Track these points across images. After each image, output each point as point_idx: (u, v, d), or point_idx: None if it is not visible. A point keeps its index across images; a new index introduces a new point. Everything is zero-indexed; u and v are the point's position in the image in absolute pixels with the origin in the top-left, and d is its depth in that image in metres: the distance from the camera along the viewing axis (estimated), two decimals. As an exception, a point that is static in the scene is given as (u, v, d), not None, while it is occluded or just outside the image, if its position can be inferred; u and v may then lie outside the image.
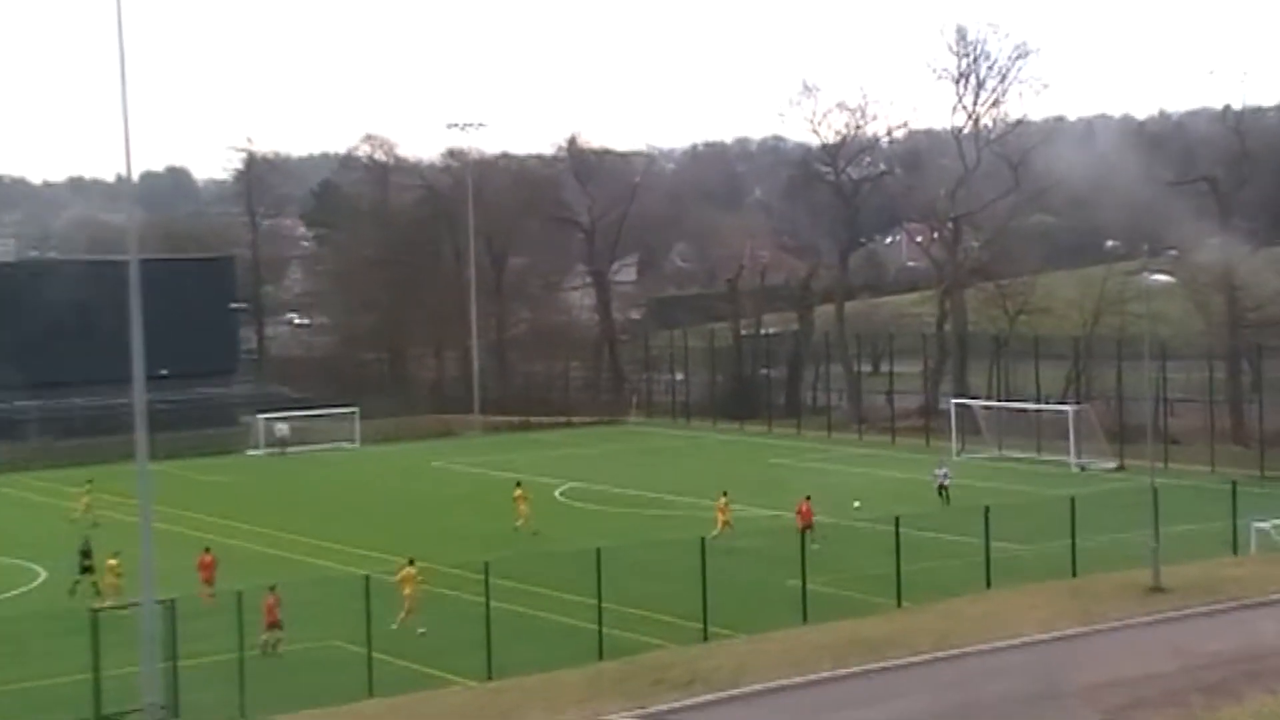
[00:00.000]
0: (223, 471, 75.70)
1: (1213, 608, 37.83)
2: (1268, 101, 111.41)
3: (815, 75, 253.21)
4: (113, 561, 45.73)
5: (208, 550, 45.11)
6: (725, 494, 54.47)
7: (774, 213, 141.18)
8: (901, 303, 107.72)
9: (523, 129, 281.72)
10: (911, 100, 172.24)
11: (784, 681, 33.38)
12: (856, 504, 57.73)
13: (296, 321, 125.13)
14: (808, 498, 53.23)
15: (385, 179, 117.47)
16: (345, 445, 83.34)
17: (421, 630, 40.32)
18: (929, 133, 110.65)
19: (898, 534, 42.30)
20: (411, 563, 42.09)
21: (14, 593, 47.45)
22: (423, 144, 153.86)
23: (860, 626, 38.22)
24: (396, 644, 38.77)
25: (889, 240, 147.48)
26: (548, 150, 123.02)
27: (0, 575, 50.15)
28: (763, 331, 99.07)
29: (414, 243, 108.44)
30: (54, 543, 56.24)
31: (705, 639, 38.60)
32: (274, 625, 39.17)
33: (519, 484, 58.63)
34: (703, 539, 39.91)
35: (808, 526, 50.05)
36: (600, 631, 38.04)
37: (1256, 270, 78.09)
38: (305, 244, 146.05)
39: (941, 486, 57.00)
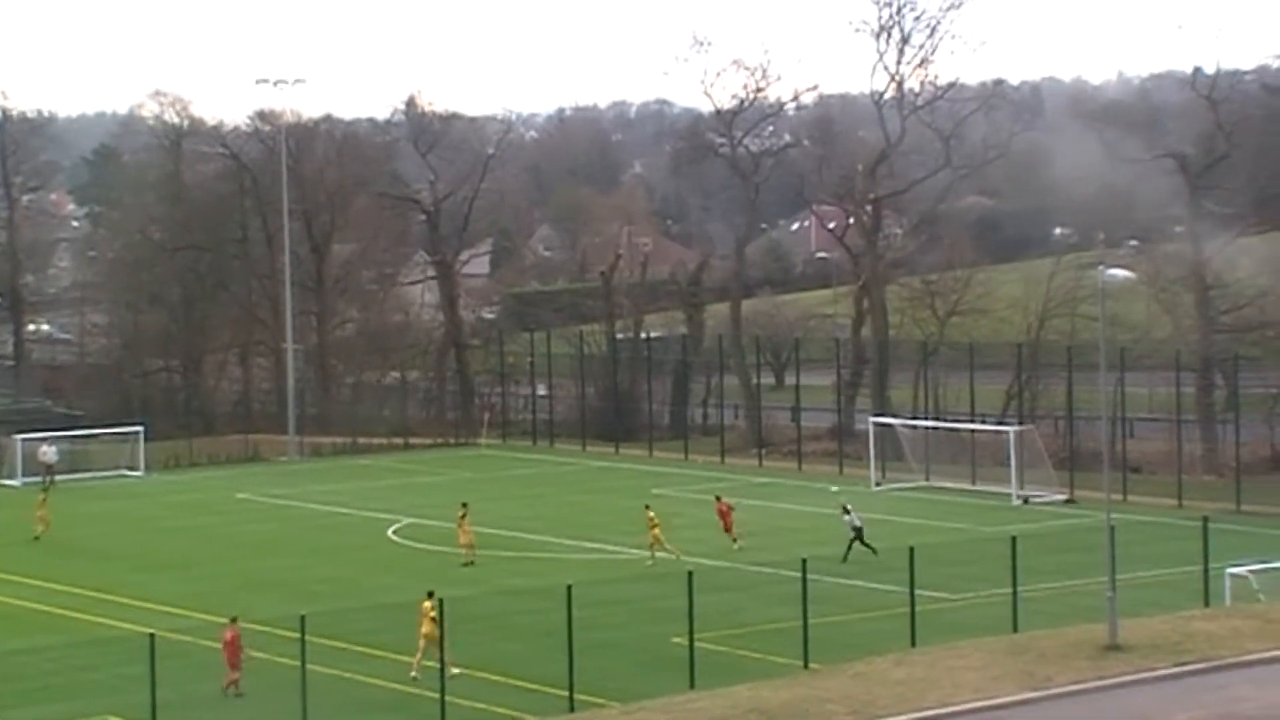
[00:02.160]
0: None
1: (1180, 669, 38.46)
2: (1245, 64, 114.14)
3: (707, 27, 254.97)
4: None
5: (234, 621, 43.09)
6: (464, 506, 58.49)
7: (657, 192, 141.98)
8: (810, 301, 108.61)
9: (350, 87, 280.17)
10: (823, 59, 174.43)
11: (666, 760, 33.39)
12: (737, 545, 59.33)
13: (44, 331, 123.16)
14: (718, 497, 60.70)
15: (178, 145, 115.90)
16: (128, 473, 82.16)
17: (456, 671, 40.09)
18: (844, 98, 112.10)
19: (805, 580, 42.57)
20: (431, 595, 41.92)
21: None
22: (225, 104, 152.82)
23: (759, 692, 38.35)
24: (184, 716, 38.28)
25: (795, 226, 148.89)
26: (381, 113, 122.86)
27: None
28: (643, 335, 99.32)
29: (214, 224, 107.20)
30: None
31: (571, 709, 38.57)
32: (235, 665, 40.00)
33: (465, 505, 59.49)
34: (569, 588, 39.88)
35: (728, 527, 58.94)
36: (443, 700, 37.86)
37: (1233, 264, 79.68)
38: (75, 224, 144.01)
39: (857, 534, 56.97)
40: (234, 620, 42.08)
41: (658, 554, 56.82)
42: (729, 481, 77.36)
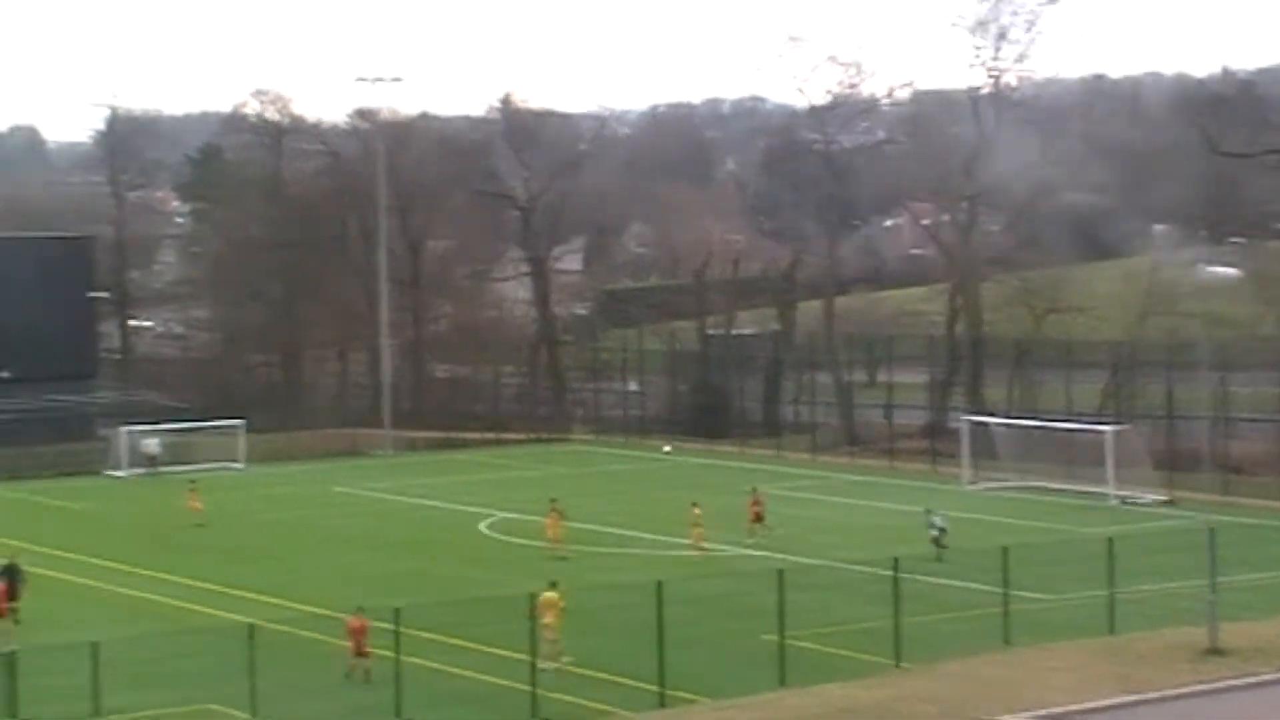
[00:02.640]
0: (77, 496, 75.11)
1: (1281, 674, 37.94)
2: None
3: (802, 24, 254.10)
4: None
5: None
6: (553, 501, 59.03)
7: (750, 189, 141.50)
8: (904, 298, 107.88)
9: (447, 85, 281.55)
10: (918, 54, 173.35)
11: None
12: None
13: (149, 326, 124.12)
14: (754, 488, 61.69)
15: (279, 143, 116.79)
16: (229, 465, 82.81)
17: (566, 660, 41.01)
18: (939, 94, 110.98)
19: (896, 578, 42.30)
20: (554, 585, 42.37)
21: None
22: (325, 102, 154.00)
23: (851, 691, 38.17)
24: (284, 709, 38.50)
25: (889, 223, 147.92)
26: (477, 111, 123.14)
27: None
28: (735, 332, 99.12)
29: (313, 221, 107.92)
30: None
31: (662, 704, 38.48)
32: (362, 653, 40.16)
33: (554, 501, 59.66)
34: (659, 584, 39.79)
35: (758, 519, 60.12)
36: (534, 694, 37.90)
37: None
38: (180, 221, 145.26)
39: (938, 538, 56.53)
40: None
41: (700, 548, 57.13)
42: (820, 479, 77.04)
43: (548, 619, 41.62)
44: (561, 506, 59.30)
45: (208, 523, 66.11)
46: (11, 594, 47.68)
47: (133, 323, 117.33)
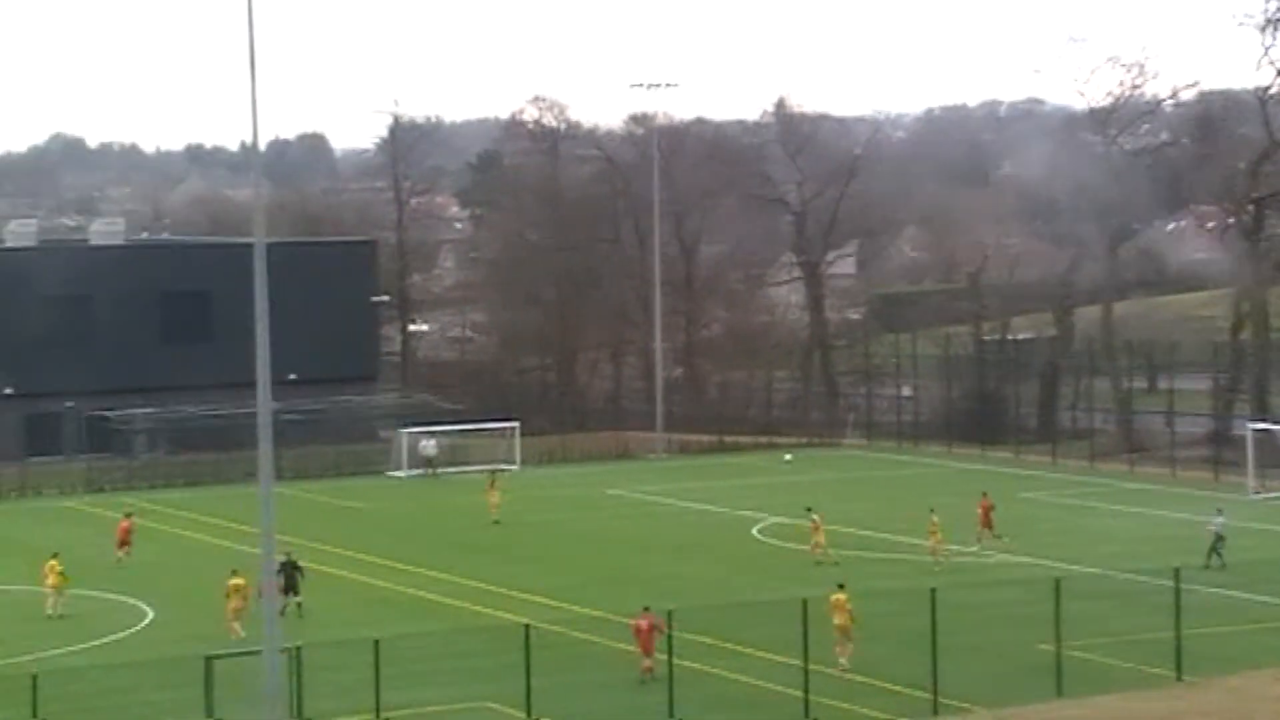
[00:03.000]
0: (359, 496, 76.97)
1: None
2: None
3: (1082, 24, 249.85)
4: (237, 581, 47.39)
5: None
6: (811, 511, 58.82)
7: (1027, 192, 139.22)
8: (1187, 304, 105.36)
9: (721, 90, 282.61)
10: (1204, 54, 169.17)
11: (1033, 769, 32.86)
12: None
13: (434, 333, 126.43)
14: (984, 493, 61.25)
15: (555, 149, 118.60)
16: (504, 467, 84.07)
17: (843, 662, 41.54)
18: (1225, 94, 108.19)
19: (1178, 589, 41.35)
20: (841, 587, 43.02)
21: (118, 635, 48.83)
22: (601, 107, 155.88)
23: (1129, 703, 37.48)
24: (559, 707, 39.00)
25: (1171, 227, 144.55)
26: (750, 115, 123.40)
27: (104, 615, 51.59)
28: (1011, 337, 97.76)
29: (588, 225, 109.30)
30: (163, 576, 57.80)
31: (935, 713, 38.20)
32: (648, 651, 40.92)
33: (810, 509, 59.45)
34: (932, 591, 39.46)
35: (987, 525, 59.66)
36: (806, 700, 37.86)
37: None
38: (459, 226, 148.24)
39: (1215, 544, 54.92)
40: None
41: (936, 557, 56.36)
42: (1098, 487, 75.58)
43: (838, 620, 41.86)
44: (819, 515, 58.75)
45: (503, 519, 67.20)
46: (290, 588, 49.28)
47: (412, 327, 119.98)
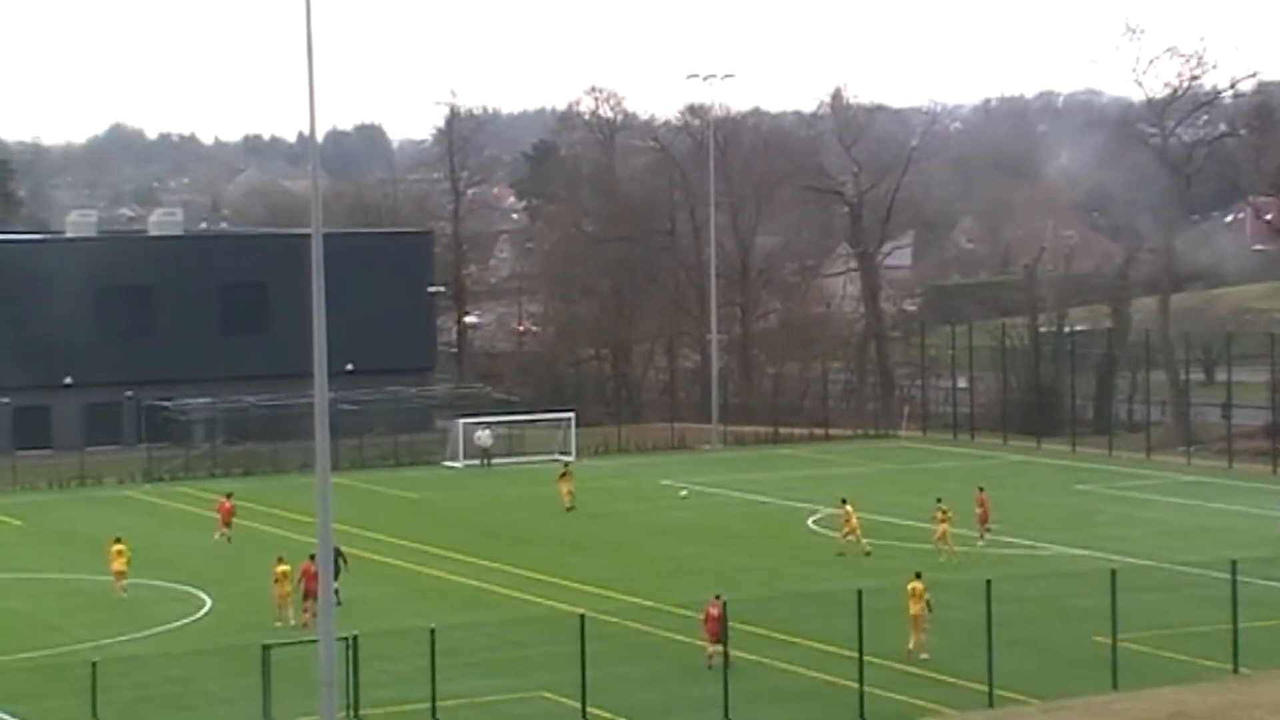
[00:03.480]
0: (415, 486, 77.23)
1: None
2: None
3: (1140, 14, 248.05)
4: (285, 568, 48.11)
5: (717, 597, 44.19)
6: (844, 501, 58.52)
7: (1083, 184, 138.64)
8: (1245, 295, 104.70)
9: (777, 81, 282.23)
10: (1262, 44, 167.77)
11: (1088, 761, 32.74)
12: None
13: (489, 323, 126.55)
14: (979, 489, 60.26)
15: (611, 139, 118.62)
16: (559, 458, 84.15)
17: (924, 655, 42.02)
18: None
19: (1234, 582, 41.12)
20: (918, 576, 43.69)
21: (176, 624, 49.17)
22: (657, 98, 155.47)
23: (1185, 695, 37.30)
24: (613, 698, 39.07)
25: (1229, 219, 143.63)
26: (806, 106, 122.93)
27: (162, 604, 51.95)
28: (1067, 329, 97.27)
29: (644, 216, 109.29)
30: (221, 565, 58.12)
31: (990, 705, 38.12)
32: (717, 639, 41.13)
33: (845, 501, 59.22)
34: (988, 583, 39.33)
35: (983, 520, 58.92)
36: (861, 691, 37.83)
37: None
38: (515, 217, 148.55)
39: None
40: (717, 597, 42.68)
41: (943, 549, 56.09)
42: (1154, 479, 75.14)
43: (913, 609, 42.35)
44: (851, 505, 58.55)
45: (559, 509, 67.35)
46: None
47: (472, 319, 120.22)
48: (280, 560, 48.72)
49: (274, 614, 47.68)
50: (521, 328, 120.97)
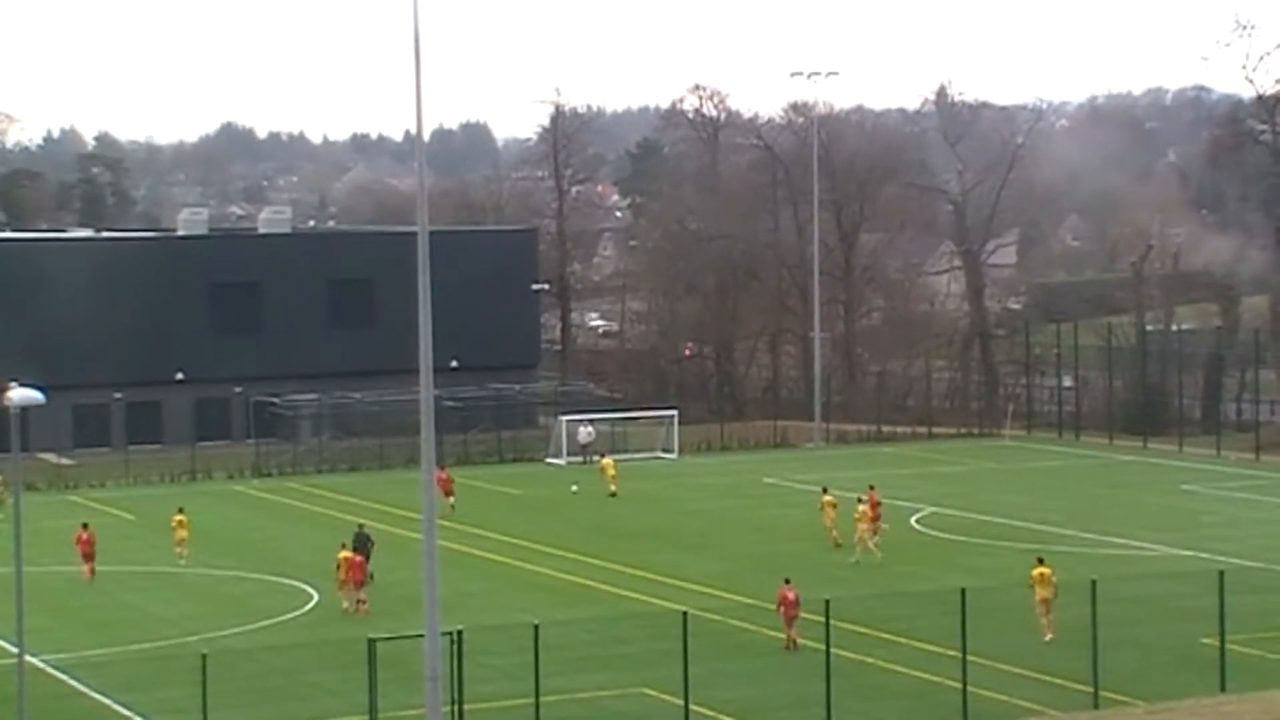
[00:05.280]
0: (518, 483, 77.46)
1: None
2: None
3: (1251, 10, 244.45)
4: (346, 554, 49.76)
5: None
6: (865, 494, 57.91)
7: (1192, 181, 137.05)
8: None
9: (881, 78, 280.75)
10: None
11: (1194, 764, 32.38)
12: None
13: (598, 323, 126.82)
14: (871, 487, 59.03)
15: (715, 137, 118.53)
16: (662, 455, 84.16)
17: (1048, 636, 42.82)
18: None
19: (1346, 585, 40.50)
20: (1041, 561, 44.65)
21: (284, 618, 49.62)
22: (760, 96, 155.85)
23: (1294, 700, 36.76)
24: (715, 695, 39.05)
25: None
26: (911, 104, 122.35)
27: (270, 597, 52.46)
28: (1175, 328, 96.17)
29: (747, 214, 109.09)
30: (327, 559, 58.56)
31: (1095, 706, 37.76)
32: (793, 619, 42.53)
33: (825, 490, 60.00)
34: (1093, 583, 38.96)
35: (875, 520, 57.00)
36: (965, 691, 37.58)
37: None
38: (619, 215, 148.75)
39: None
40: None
41: (870, 547, 55.92)
42: (1263, 480, 74.13)
43: (1042, 593, 42.89)
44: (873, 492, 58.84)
45: (659, 505, 67.45)
46: (364, 556, 51.11)
47: (595, 321, 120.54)
48: (344, 547, 50.53)
49: (380, 608, 48.14)
50: (619, 325, 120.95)
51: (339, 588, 49.69)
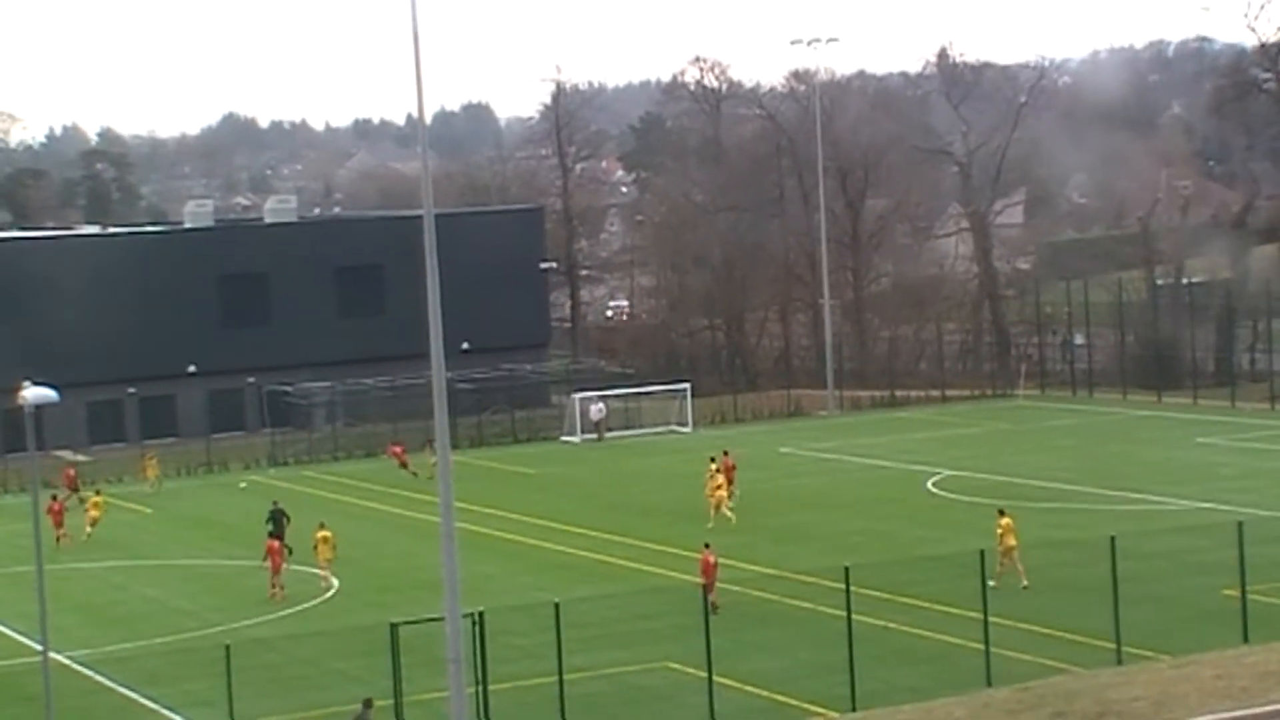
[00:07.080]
0: (533, 461, 77.54)
1: None
2: None
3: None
4: (325, 533, 50.70)
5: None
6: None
7: (1197, 133, 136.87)
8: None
9: (882, 43, 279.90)
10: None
11: (1219, 716, 32.38)
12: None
13: (610, 306, 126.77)
14: (725, 452, 61.05)
15: (717, 108, 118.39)
16: (676, 429, 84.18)
17: (1024, 584, 44.25)
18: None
19: (1365, 533, 40.47)
20: (1002, 513, 46.40)
21: (305, 606, 49.72)
22: (761, 65, 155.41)
23: (1318, 648, 36.76)
24: (739, 666, 39.14)
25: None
26: (913, 67, 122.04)
27: (290, 586, 52.38)
28: (1185, 281, 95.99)
29: (752, 184, 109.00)
30: (346, 546, 58.65)
31: (1119, 662, 37.80)
32: (713, 583, 42.60)
33: (713, 459, 60.27)
34: (1112, 540, 38.97)
35: (729, 484, 58.39)
36: (988, 652, 37.63)
37: None
38: (624, 190, 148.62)
39: None
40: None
41: (725, 511, 56.64)
42: (1278, 430, 74.01)
43: (1011, 541, 44.85)
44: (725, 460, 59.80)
45: (673, 479, 67.54)
46: (279, 538, 51.95)
47: (613, 303, 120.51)
48: (322, 526, 51.45)
49: (405, 594, 48.29)
50: (627, 303, 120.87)
51: (323, 566, 50.55)
